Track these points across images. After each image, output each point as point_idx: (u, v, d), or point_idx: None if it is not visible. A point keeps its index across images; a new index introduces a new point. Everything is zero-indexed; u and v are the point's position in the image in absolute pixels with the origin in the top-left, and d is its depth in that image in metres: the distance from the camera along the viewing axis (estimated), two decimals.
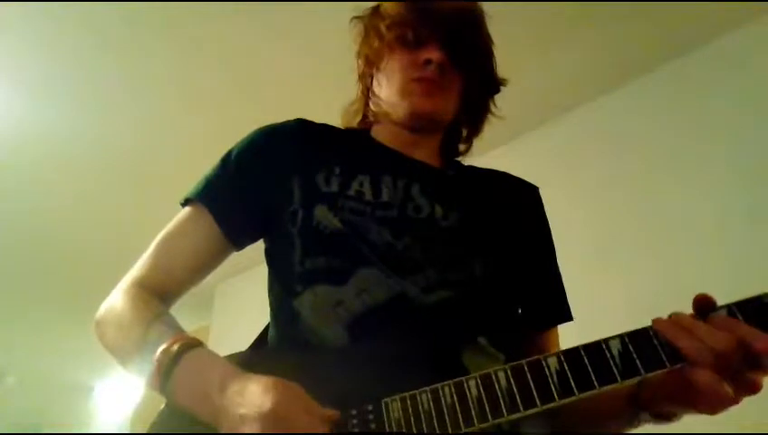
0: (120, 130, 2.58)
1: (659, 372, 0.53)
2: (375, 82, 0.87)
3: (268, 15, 2.00)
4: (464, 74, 0.85)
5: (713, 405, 0.54)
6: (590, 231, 2.13)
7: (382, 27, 0.83)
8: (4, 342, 4.77)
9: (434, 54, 0.79)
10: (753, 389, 0.54)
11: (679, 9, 1.93)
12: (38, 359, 5.24)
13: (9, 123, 2.50)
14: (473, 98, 0.88)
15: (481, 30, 0.86)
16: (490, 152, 2.35)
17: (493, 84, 0.89)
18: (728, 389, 0.53)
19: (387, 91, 0.84)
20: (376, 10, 0.87)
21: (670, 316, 0.56)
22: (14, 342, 4.82)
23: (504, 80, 0.90)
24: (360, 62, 0.90)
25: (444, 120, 0.86)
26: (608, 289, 1.96)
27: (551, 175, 2.29)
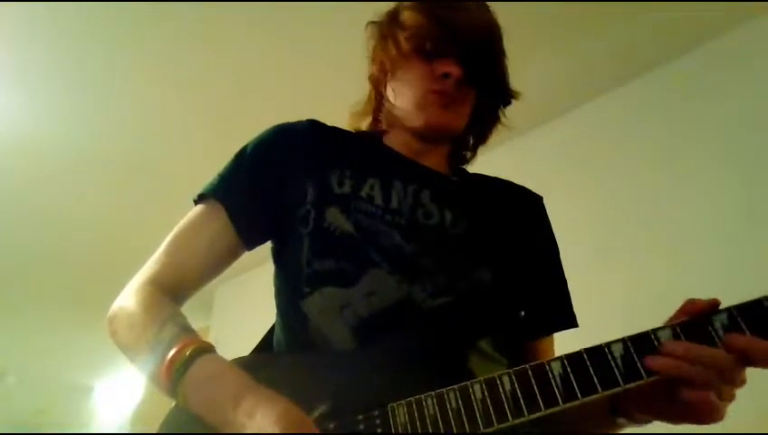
0: (119, 130, 2.58)
1: (660, 376, 0.53)
2: (389, 89, 0.86)
3: (269, 15, 2.00)
4: (478, 88, 0.84)
5: (705, 419, 0.55)
6: (589, 230, 2.12)
7: (401, 37, 0.82)
8: (4, 342, 4.77)
9: (452, 69, 0.79)
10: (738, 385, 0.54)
11: (679, 9, 1.93)
12: (38, 359, 5.24)
13: (9, 123, 2.50)
14: (484, 110, 0.88)
15: (498, 46, 0.85)
16: (490, 152, 2.34)
17: (505, 98, 0.89)
18: (722, 404, 0.54)
19: (401, 99, 0.83)
20: (394, 17, 0.86)
21: (661, 346, 0.54)
22: (14, 342, 4.82)
23: (517, 93, 0.89)
24: (373, 66, 0.88)
25: (456, 132, 0.86)
26: (607, 288, 1.96)
27: (550, 174, 2.30)
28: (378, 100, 0.89)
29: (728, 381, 0.52)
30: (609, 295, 1.92)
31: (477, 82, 0.83)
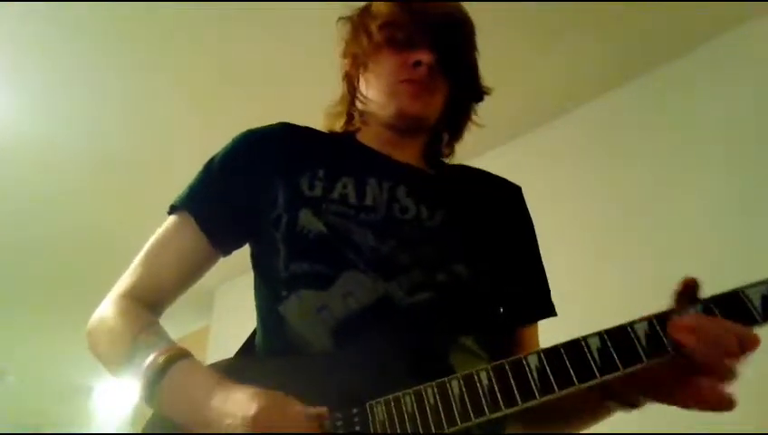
0: (119, 132, 2.58)
1: (638, 367, 0.54)
2: (362, 82, 0.86)
3: (270, 16, 2.00)
4: (450, 79, 0.85)
5: (711, 406, 0.54)
6: (588, 228, 2.14)
7: (373, 27, 0.82)
8: (5, 342, 4.77)
9: (424, 56, 0.79)
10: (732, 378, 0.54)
11: (677, 9, 1.93)
12: (38, 359, 5.24)
13: (9, 124, 2.50)
14: (456, 103, 0.88)
15: (470, 37, 0.86)
16: (489, 152, 2.35)
17: (477, 91, 0.90)
18: (728, 391, 0.53)
19: (374, 90, 0.84)
20: (366, 10, 0.87)
21: (672, 314, 0.55)
22: (14, 342, 4.82)
23: (489, 88, 0.90)
24: (346, 61, 0.89)
25: (429, 122, 0.86)
26: (607, 284, 1.99)
27: (550, 174, 2.30)
28: (351, 96, 0.89)
29: (730, 353, 0.52)
30: (608, 290, 1.95)
31: (449, 71, 0.83)
